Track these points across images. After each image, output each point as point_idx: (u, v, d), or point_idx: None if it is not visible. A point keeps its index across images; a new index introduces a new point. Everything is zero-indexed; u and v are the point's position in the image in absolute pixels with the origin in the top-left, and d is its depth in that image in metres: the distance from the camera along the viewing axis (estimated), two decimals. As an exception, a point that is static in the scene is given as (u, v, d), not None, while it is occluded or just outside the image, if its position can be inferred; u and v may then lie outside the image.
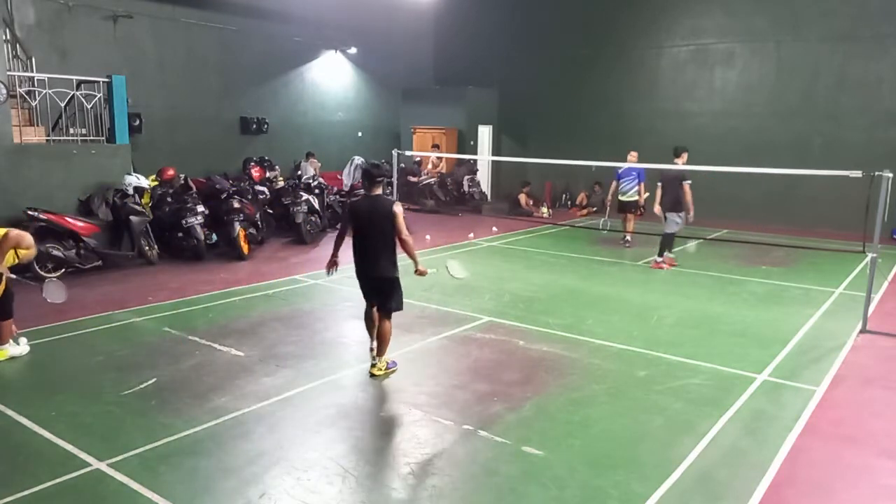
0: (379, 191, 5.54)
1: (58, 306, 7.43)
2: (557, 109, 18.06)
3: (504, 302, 8.06)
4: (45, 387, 5.30)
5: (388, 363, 5.64)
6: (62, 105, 10.33)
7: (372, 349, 5.64)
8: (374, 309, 5.62)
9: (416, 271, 5.51)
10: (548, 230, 14.15)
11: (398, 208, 5.41)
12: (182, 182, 11.04)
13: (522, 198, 16.69)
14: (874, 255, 6.95)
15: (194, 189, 10.84)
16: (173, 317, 7.27)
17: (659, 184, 10.19)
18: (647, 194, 11.66)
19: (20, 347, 6.05)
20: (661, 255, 10.21)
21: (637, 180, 11.64)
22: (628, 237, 11.97)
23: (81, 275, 8.94)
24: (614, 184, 11.88)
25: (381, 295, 5.53)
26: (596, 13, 17.24)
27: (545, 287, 8.93)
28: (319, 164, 15.25)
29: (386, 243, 5.42)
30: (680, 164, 9.88)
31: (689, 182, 9.80)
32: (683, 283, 9.33)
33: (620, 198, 11.78)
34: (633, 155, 11.53)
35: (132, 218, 9.40)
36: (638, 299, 8.35)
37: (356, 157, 14.22)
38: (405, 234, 5.41)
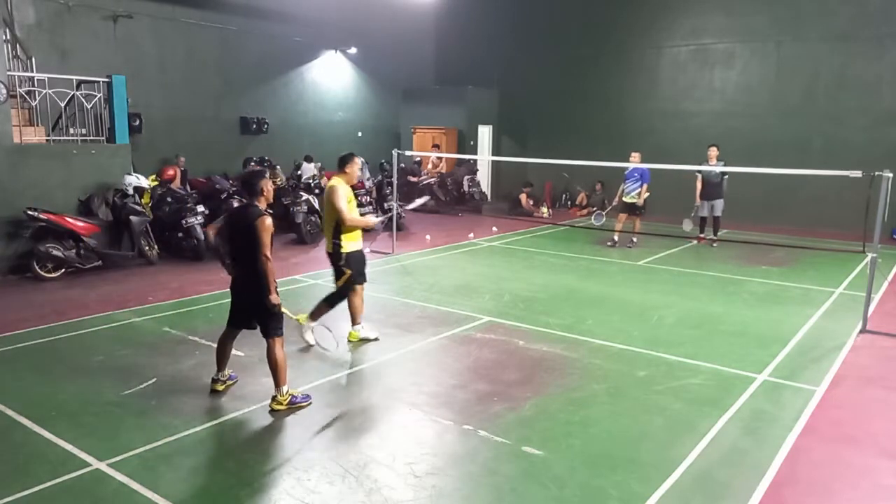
0: (259, 203, 4.87)
1: (58, 306, 7.47)
2: (557, 109, 18.06)
3: (504, 302, 8.06)
4: (45, 387, 5.29)
5: (292, 396, 4.94)
6: (62, 105, 10.33)
7: (217, 379, 5.18)
8: (233, 336, 5.17)
9: (267, 299, 4.76)
10: (548, 230, 14.15)
11: (264, 221, 4.69)
12: (183, 170, 11.22)
13: (523, 198, 16.70)
14: (874, 255, 6.95)
15: (188, 189, 10.93)
16: (173, 317, 7.27)
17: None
18: (647, 194, 11.69)
19: (373, 332, 6.48)
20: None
21: (640, 182, 11.61)
22: (616, 237, 11.89)
23: (81, 275, 8.95)
24: (623, 185, 11.94)
25: (256, 317, 4.95)
26: (596, 13, 17.24)
27: (545, 287, 8.93)
28: (321, 165, 15.26)
29: (252, 259, 4.74)
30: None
31: (699, 175, 11.86)
32: (683, 283, 9.33)
33: (624, 199, 11.84)
34: (634, 156, 11.50)
35: (132, 218, 9.40)
36: (638, 299, 8.35)
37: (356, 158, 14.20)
38: (266, 252, 4.67)
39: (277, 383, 4.89)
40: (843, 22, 14.08)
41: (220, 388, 5.20)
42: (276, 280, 4.83)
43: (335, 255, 6.13)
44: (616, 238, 11.90)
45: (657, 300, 8.28)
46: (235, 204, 10.33)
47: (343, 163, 6.34)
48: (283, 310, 4.92)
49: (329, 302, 6.30)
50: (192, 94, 14.62)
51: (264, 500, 3.78)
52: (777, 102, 14.98)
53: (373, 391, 5.37)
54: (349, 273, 6.15)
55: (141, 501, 3.71)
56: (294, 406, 4.91)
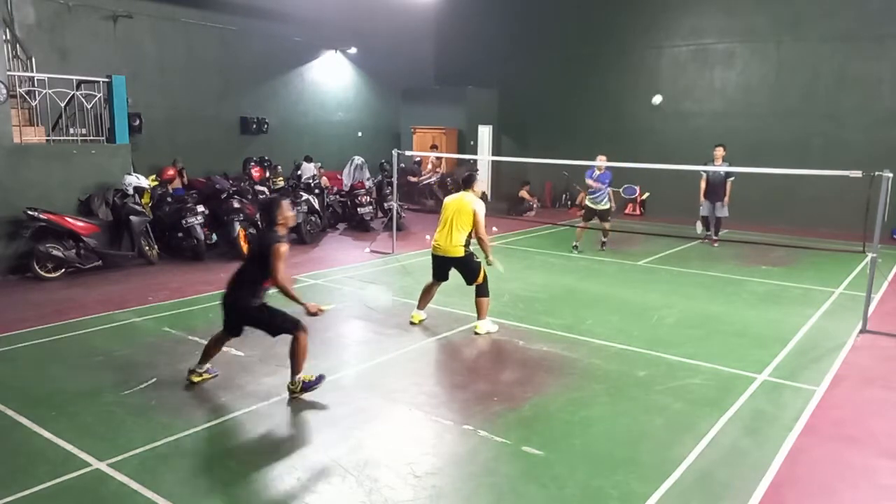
0: (278, 229, 5.09)
1: (58, 306, 7.47)
2: (557, 109, 18.06)
3: (504, 302, 8.05)
4: (45, 387, 5.29)
5: (303, 382, 5.09)
6: (62, 105, 10.33)
7: (194, 370, 5.31)
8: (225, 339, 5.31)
9: (303, 305, 4.99)
10: (548, 230, 14.14)
11: (278, 249, 4.90)
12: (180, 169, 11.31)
13: (524, 193, 16.75)
14: (874, 255, 6.95)
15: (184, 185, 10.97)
16: (173, 317, 7.27)
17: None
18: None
19: (493, 326, 6.87)
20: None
21: (606, 185, 11.06)
22: (605, 239, 11.56)
23: (81, 275, 8.95)
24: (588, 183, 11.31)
25: (254, 326, 5.14)
26: (596, 13, 17.24)
27: (545, 287, 8.93)
28: (320, 164, 15.26)
29: (249, 278, 5.02)
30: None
31: (704, 175, 12.07)
32: (683, 283, 9.33)
33: (594, 205, 11.23)
34: (601, 158, 10.89)
35: (132, 218, 9.40)
36: (638, 299, 8.35)
37: (356, 157, 14.23)
38: (276, 276, 4.88)
39: (296, 370, 5.04)
40: (843, 22, 14.08)
41: (197, 379, 5.31)
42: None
43: (467, 259, 6.77)
44: (605, 238, 11.55)
45: (657, 300, 8.28)
46: (236, 204, 10.36)
47: (472, 181, 6.92)
48: (322, 308, 5.05)
49: (483, 294, 6.80)
50: (192, 94, 14.62)
51: (264, 499, 3.78)
52: (777, 102, 14.98)
53: (373, 391, 5.37)
54: (483, 268, 6.81)
55: (141, 501, 3.71)
56: (309, 389, 5.09)
